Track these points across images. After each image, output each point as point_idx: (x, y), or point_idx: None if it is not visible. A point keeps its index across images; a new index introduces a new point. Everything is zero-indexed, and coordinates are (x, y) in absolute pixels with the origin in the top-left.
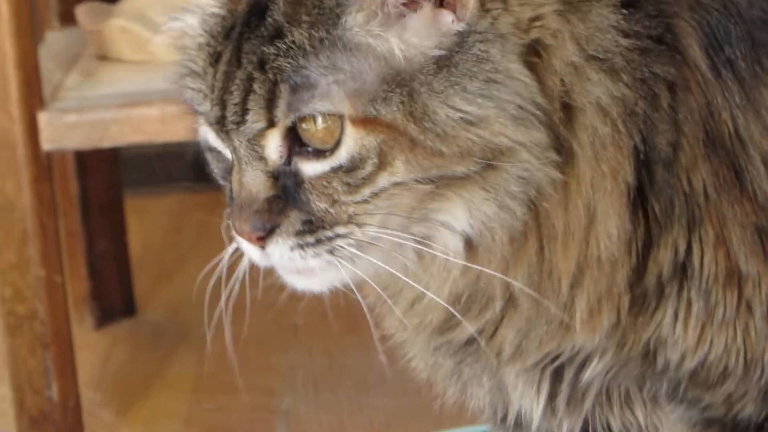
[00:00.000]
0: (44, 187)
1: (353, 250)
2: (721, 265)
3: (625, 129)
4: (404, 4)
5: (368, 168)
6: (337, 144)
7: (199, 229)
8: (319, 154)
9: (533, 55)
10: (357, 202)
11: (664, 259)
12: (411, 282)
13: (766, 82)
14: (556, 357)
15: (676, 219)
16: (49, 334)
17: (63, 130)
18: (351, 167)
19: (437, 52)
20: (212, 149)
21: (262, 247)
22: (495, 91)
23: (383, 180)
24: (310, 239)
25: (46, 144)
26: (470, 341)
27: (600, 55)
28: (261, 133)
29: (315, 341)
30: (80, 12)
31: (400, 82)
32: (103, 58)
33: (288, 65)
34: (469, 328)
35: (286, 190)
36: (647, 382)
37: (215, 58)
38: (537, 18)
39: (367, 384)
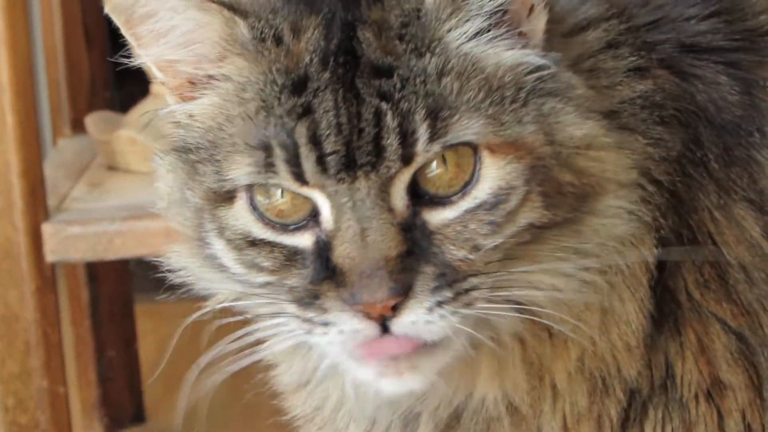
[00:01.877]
0: (48, 299)
1: (489, 297)
2: (704, 373)
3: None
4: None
5: (513, 201)
6: (471, 181)
7: (211, 336)
8: (445, 199)
9: None
10: (497, 246)
11: (659, 363)
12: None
13: (736, 191)
14: None
15: (664, 321)
16: None
17: (67, 242)
18: (495, 203)
19: (550, 67)
20: (257, 242)
21: (391, 317)
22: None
23: (524, 216)
24: (449, 294)
25: (50, 255)
26: None
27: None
28: (392, 178)
29: None
30: (90, 121)
31: (527, 100)
32: (112, 168)
33: (416, 94)
34: None
35: (417, 244)
36: None
37: (302, 112)
38: None
39: None
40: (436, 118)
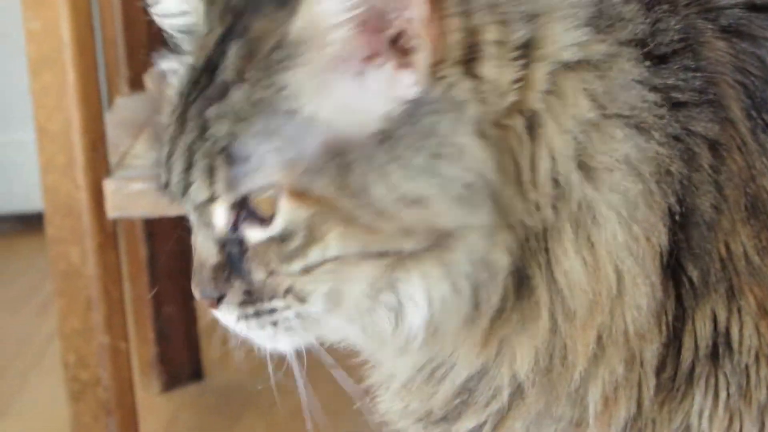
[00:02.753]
0: (110, 255)
1: (297, 322)
2: (766, 336)
3: (658, 189)
4: (364, 60)
5: (297, 241)
6: (275, 212)
7: None
8: (263, 221)
9: (509, 118)
10: (293, 275)
11: (702, 332)
12: (384, 353)
13: None
14: None
15: (712, 288)
16: (113, 401)
17: (129, 198)
18: (282, 239)
19: (385, 121)
20: None
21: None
22: (441, 167)
23: (315, 255)
24: (251, 311)
25: (112, 212)
26: None
27: (625, 112)
28: (206, 204)
29: None
30: (149, 78)
31: (339, 152)
32: None
33: (224, 132)
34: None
35: (232, 258)
36: None
37: (165, 138)
38: (521, 80)
39: None
40: (234, 165)
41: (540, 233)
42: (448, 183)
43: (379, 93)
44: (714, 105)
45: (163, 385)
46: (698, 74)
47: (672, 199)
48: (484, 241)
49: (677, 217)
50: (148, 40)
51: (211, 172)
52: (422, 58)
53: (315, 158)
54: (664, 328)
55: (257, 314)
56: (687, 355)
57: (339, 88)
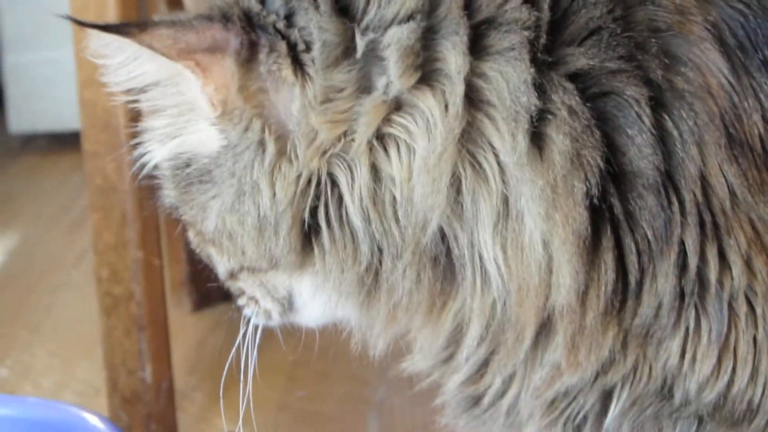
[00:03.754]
0: None
1: (273, 314)
2: (763, 273)
3: (571, 174)
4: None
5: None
6: None
7: None
8: None
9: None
10: (238, 283)
11: (663, 289)
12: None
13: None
14: (571, 407)
15: (676, 241)
16: (145, 316)
17: None
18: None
19: (205, 163)
20: None
21: None
22: (243, 205)
23: (219, 268)
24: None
25: None
26: (491, 401)
27: (511, 108)
28: None
29: None
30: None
31: (185, 189)
32: None
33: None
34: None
35: None
36: (670, 423)
37: None
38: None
39: None
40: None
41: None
42: (247, 217)
43: (195, 142)
44: (643, 67)
45: (194, 305)
46: (623, 42)
47: (592, 181)
48: (282, 271)
49: (610, 190)
50: None
51: None
52: (216, 108)
53: (177, 193)
54: (601, 298)
55: (239, 307)
56: (646, 311)
57: (166, 140)
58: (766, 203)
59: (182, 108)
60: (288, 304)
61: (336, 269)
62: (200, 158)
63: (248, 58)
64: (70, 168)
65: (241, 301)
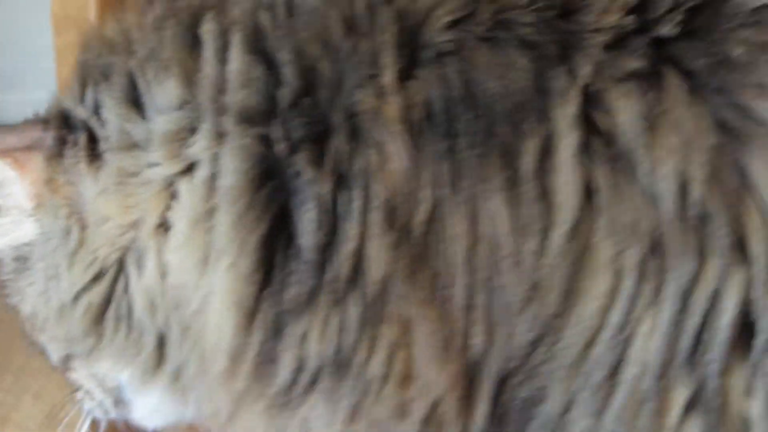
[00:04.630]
0: None
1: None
2: (398, 367)
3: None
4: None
5: None
6: None
7: None
8: None
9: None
10: (73, 374)
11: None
12: None
13: (489, 177)
14: None
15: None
16: None
17: None
18: None
19: (23, 252)
20: None
21: None
22: (48, 288)
23: (53, 354)
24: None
25: None
26: None
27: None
28: None
29: None
30: None
31: (14, 278)
32: None
33: None
34: None
35: None
36: None
37: None
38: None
39: None
40: None
41: None
42: (52, 300)
43: (20, 235)
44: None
45: None
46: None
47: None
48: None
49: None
50: None
51: None
52: (32, 200)
53: (10, 284)
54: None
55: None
56: (283, 379)
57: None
58: (415, 297)
59: (16, 207)
60: (118, 395)
61: (126, 356)
62: (22, 248)
63: (56, 153)
64: None
65: (79, 395)
